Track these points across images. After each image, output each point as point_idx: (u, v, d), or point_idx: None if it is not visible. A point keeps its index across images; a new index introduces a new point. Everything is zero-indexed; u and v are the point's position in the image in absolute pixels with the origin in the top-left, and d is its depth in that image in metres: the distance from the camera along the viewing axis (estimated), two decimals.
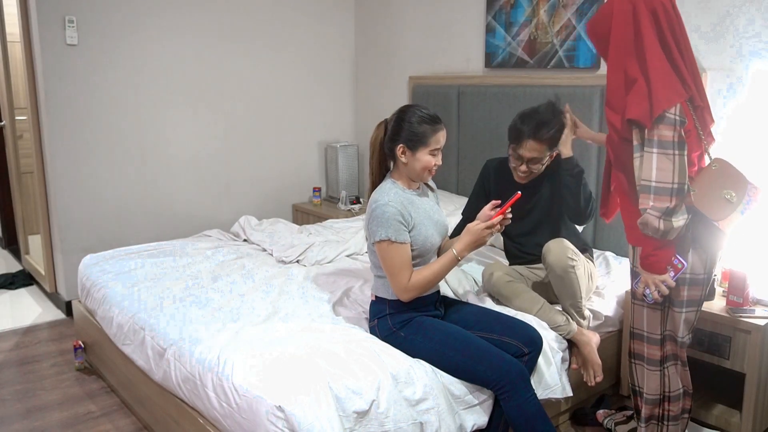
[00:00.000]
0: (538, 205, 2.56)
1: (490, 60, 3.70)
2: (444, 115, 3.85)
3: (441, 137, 2.08)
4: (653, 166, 1.75)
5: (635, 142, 1.81)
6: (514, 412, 1.96)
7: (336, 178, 4.58)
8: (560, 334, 2.37)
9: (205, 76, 4.07)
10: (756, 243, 2.59)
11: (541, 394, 2.22)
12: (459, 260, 2.06)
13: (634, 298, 2.04)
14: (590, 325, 2.53)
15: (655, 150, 1.75)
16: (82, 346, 3.05)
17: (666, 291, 1.88)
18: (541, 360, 2.21)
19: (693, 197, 1.84)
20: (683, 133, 1.76)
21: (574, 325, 2.39)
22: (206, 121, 4.12)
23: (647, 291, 1.90)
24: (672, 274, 1.86)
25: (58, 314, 3.81)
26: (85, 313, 2.99)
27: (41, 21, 3.42)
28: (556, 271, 2.33)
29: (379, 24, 4.51)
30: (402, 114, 2.10)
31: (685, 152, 1.77)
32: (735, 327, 2.35)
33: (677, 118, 1.75)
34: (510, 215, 2.05)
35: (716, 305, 2.46)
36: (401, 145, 2.08)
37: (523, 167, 2.43)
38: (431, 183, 2.36)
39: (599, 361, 2.40)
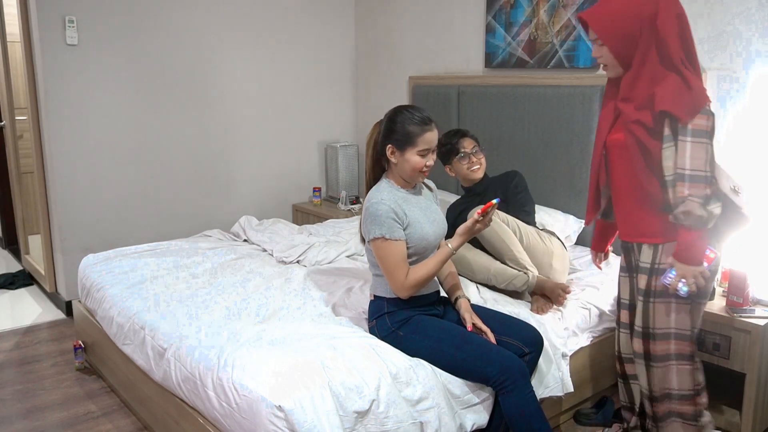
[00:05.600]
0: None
1: (490, 60, 3.70)
2: (444, 115, 3.85)
3: (430, 138, 2.08)
4: (687, 155, 1.78)
5: (666, 132, 1.83)
6: (512, 408, 1.97)
7: (336, 178, 4.59)
8: (521, 289, 2.50)
9: (206, 76, 4.07)
10: (756, 243, 2.59)
11: (542, 393, 2.23)
12: (454, 253, 2.09)
13: (654, 297, 1.97)
14: (591, 319, 2.54)
15: (689, 138, 1.78)
16: (82, 346, 3.05)
17: (703, 283, 1.85)
18: (541, 360, 2.22)
19: (719, 187, 1.87)
20: (714, 124, 1.82)
21: (531, 274, 2.48)
22: (206, 121, 4.12)
23: (681, 284, 1.85)
24: (706, 265, 1.85)
25: (58, 314, 3.81)
26: (85, 313, 2.99)
27: (41, 21, 3.42)
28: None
29: (379, 24, 4.51)
30: (393, 115, 2.13)
31: (713, 143, 1.82)
32: (735, 327, 2.35)
33: (711, 110, 1.81)
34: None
35: (716, 305, 2.46)
36: (390, 145, 2.11)
37: (473, 158, 2.76)
38: (430, 183, 2.37)
39: (561, 282, 2.53)
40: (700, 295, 1.92)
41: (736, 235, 1.96)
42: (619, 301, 2.21)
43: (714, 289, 2.51)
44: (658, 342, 1.98)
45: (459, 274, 2.56)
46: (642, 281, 2.00)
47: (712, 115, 1.81)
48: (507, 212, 2.67)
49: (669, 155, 1.82)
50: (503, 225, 2.57)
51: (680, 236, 1.84)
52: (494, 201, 2.00)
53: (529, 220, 2.75)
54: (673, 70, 1.82)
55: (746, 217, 1.92)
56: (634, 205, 1.98)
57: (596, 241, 2.31)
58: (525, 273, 2.49)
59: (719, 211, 1.81)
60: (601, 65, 2.00)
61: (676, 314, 1.95)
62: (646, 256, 1.98)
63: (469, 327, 2.11)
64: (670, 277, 1.88)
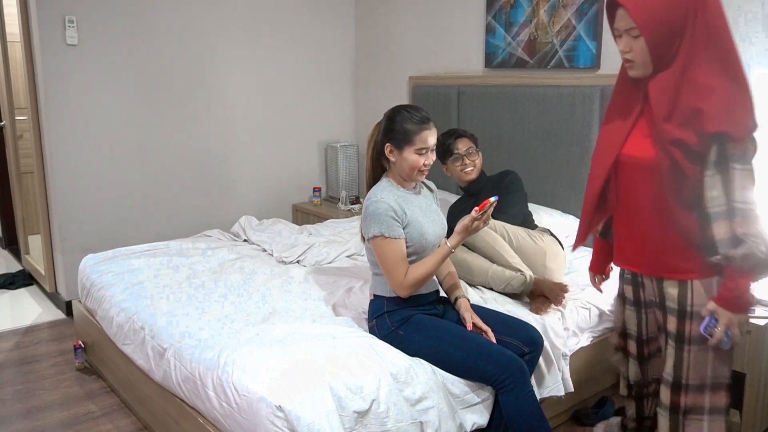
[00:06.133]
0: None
1: (490, 60, 3.70)
2: (444, 115, 3.85)
3: (428, 137, 2.09)
4: (737, 184, 1.52)
5: (713, 157, 1.55)
6: (511, 406, 1.97)
7: (336, 178, 4.59)
8: (520, 290, 2.48)
9: (206, 76, 4.07)
10: None
11: (542, 393, 2.23)
12: (452, 251, 2.09)
13: (690, 343, 1.69)
14: (591, 319, 2.54)
15: (738, 165, 1.52)
16: (82, 346, 3.05)
17: (744, 331, 1.63)
18: (541, 360, 2.22)
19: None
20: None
21: (528, 275, 2.48)
22: (206, 120, 4.12)
23: (726, 335, 1.60)
24: (752, 310, 1.72)
25: (58, 314, 3.81)
26: (85, 313, 2.99)
27: (41, 21, 3.42)
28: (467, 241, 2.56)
29: (379, 24, 4.51)
30: (392, 114, 2.14)
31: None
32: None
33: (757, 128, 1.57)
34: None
35: None
36: (389, 144, 2.12)
37: (466, 161, 2.77)
38: (430, 184, 2.37)
39: (561, 285, 2.49)
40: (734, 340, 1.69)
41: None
42: (624, 331, 1.99)
43: None
44: (691, 394, 1.71)
45: (459, 277, 2.56)
46: (672, 323, 1.72)
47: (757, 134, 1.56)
48: (495, 209, 2.67)
49: (714, 184, 1.55)
50: (490, 231, 2.57)
51: (730, 281, 1.57)
52: (492, 199, 2.00)
53: (516, 221, 2.74)
54: (728, 76, 1.53)
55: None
56: (660, 235, 1.70)
57: (596, 263, 2.04)
58: (522, 274, 2.49)
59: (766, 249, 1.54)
60: (626, 62, 1.67)
61: (714, 363, 1.68)
62: (672, 294, 1.71)
63: (469, 327, 2.11)
64: (712, 327, 1.61)
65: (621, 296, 1.95)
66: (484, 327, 2.12)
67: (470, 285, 2.62)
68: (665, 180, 1.61)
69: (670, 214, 1.65)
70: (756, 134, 1.54)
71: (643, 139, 1.66)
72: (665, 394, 1.75)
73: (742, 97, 1.53)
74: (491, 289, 2.59)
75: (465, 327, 2.11)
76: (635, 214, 1.74)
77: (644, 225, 1.72)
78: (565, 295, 2.47)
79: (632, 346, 1.96)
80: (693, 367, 1.69)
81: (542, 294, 2.49)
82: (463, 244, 2.46)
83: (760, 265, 1.53)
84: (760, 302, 2.43)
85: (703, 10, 1.53)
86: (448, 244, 2.07)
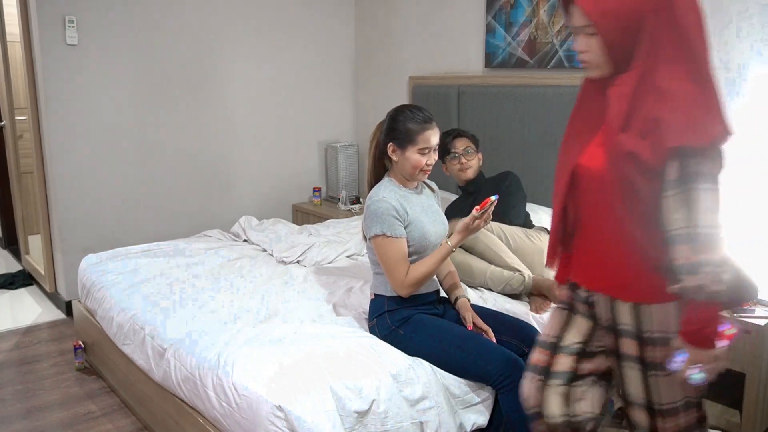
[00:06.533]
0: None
1: (490, 60, 3.70)
2: (444, 115, 3.85)
3: (431, 137, 2.10)
4: (701, 207, 1.33)
5: (672, 177, 1.35)
6: (511, 406, 1.97)
7: (336, 178, 4.58)
8: (519, 290, 2.49)
9: (206, 76, 4.07)
10: (756, 243, 2.60)
11: None
12: (453, 251, 2.08)
13: (656, 369, 1.53)
14: None
15: (702, 185, 1.32)
16: (82, 346, 3.05)
17: (723, 366, 1.44)
18: None
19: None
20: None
21: (527, 274, 2.49)
22: (206, 121, 4.12)
23: (695, 372, 1.42)
24: (725, 343, 1.44)
25: (58, 314, 3.81)
26: (85, 313, 2.99)
27: (41, 21, 3.42)
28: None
29: (379, 24, 4.51)
30: (394, 113, 2.15)
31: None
32: (735, 327, 2.34)
33: (725, 146, 1.37)
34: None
35: None
36: (391, 143, 2.13)
37: (463, 159, 2.80)
38: (432, 184, 2.37)
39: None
40: (657, 366, 1.52)
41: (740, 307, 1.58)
42: (557, 344, 1.69)
43: None
44: (668, 418, 1.57)
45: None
46: (630, 347, 1.55)
47: (723, 151, 1.36)
48: (498, 212, 2.67)
49: (676, 205, 1.35)
50: (487, 233, 2.58)
51: (691, 313, 1.40)
52: (492, 198, 2.01)
53: (519, 222, 2.75)
54: (694, 80, 1.35)
55: (752, 283, 1.51)
56: (616, 253, 1.52)
57: (562, 276, 1.80)
58: (520, 274, 2.50)
59: (730, 280, 1.37)
60: (583, 63, 1.49)
61: (684, 384, 1.51)
62: (625, 316, 1.53)
63: (470, 326, 2.11)
64: (678, 362, 1.44)
65: (569, 308, 1.72)
66: (485, 327, 2.12)
67: (470, 287, 2.62)
68: (615, 196, 1.44)
69: (626, 235, 1.47)
70: (725, 146, 1.34)
71: (598, 149, 1.49)
72: (641, 416, 1.60)
73: (709, 103, 1.34)
74: (491, 289, 2.60)
75: (465, 327, 2.11)
76: (592, 228, 1.58)
77: (600, 241, 1.56)
78: None
79: (566, 363, 1.68)
80: (665, 392, 1.55)
81: (541, 293, 2.49)
82: (461, 246, 2.46)
83: (717, 297, 1.34)
84: (760, 302, 2.43)
85: (669, 4, 1.35)
86: (449, 243, 2.08)
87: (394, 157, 2.13)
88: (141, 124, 3.84)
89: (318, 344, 2.05)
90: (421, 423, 1.93)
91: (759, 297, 2.42)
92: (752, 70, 2.65)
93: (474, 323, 2.12)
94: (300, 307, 2.46)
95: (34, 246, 4.39)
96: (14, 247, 5.05)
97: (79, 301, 3.13)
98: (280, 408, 1.75)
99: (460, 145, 2.79)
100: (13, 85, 4.39)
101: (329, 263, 3.07)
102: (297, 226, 3.68)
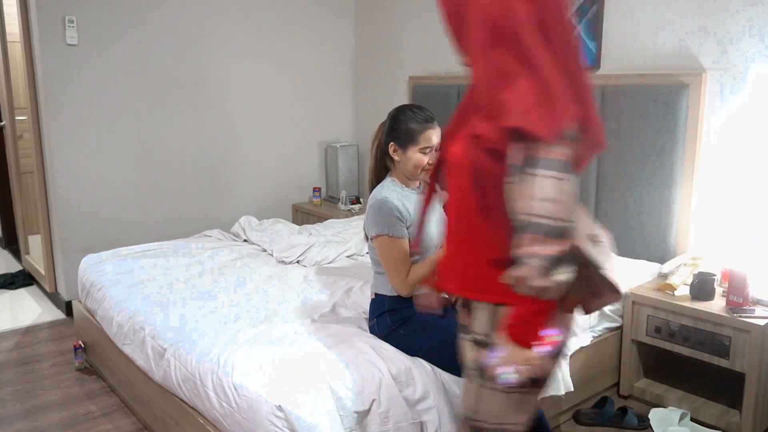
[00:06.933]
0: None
1: None
2: (444, 116, 3.84)
3: (432, 136, 2.10)
4: (538, 195, 1.22)
5: (516, 162, 1.27)
6: None
7: (336, 178, 4.58)
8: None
9: (206, 76, 4.07)
10: (756, 243, 2.60)
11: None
12: None
13: (479, 377, 1.42)
14: (590, 319, 2.54)
15: (544, 172, 1.23)
16: (82, 346, 3.05)
17: (540, 374, 1.33)
18: None
19: (590, 241, 1.34)
20: (571, 153, 1.28)
21: None
22: (206, 121, 4.12)
23: (504, 370, 1.30)
24: (547, 349, 1.30)
25: (58, 314, 3.81)
26: (85, 313, 2.99)
27: (41, 21, 3.42)
28: None
29: (379, 24, 4.51)
30: (396, 113, 2.15)
31: (574, 178, 1.28)
32: (735, 327, 2.35)
33: (573, 132, 1.29)
34: None
35: (716, 305, 2.46)
36: (392, 142, 2.13)
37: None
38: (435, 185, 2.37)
39: None
40: (535, 381, 1.38)
41: (601, 310, 1.45)
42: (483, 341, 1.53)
43: (713, 289, 2.51)
44: None
45: None
46: (470, 351, 1.46)
47: (574, 140, 1.28)
48: None
49: (517, 193, 1.27)
50: None
51: (513, 307, 1.31)
52: None
53: None
54: (527, 68, 1.27)
55: (613, 284, 1.38)
56: (459, 246, 1.44)
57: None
58: None
59: (568, 279, 1.25)
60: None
61: (509, 405, 1.41)
62: (480, 320, 1.42)
63: None
64: (491, 359, 1.34)
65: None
66: None
67: None
68: (463, 182, 1.38)
69: (470, 224, 1.40)
70: (569, 139, 1.26)
71: (458, 137, 1.43)
72: None
73: (556, 90, 1.27)
74: None
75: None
76: (449, 221, 1.49)
77: (453, 235, 1.47)
78: None
79: None
80: (481, 403, 1.42)
81: None
82: None
83: (543, 294, 1.24)
84: (760, 302, 2.43)
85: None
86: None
87: (396, 157, 2.13)
88: (141, 124, 3.84)
89: (318, 344, 2.05)
90: (421, 423, 1.93)
91: (758, 297, 2.42)
92: (752, 69, 2.65)
93: None
94: (300, 307, 2.46)
95: (34, 246, 4.39)
96: (14, 247, 5.05)
97: (79, 301, 3.13)
98: (280, 408, 1.75)
99: None
100: (13, 85, 4.39)
101: (329, 263, 3.07)
102: (297, 226, 3.68)
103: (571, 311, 1.42)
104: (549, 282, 1.23)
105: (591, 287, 1.38)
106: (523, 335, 1.29)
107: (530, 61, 1.28)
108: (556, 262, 1.23)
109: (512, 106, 1.26)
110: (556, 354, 1.36)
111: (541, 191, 1.22)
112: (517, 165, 1.27)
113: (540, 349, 1.30)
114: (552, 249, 1.22)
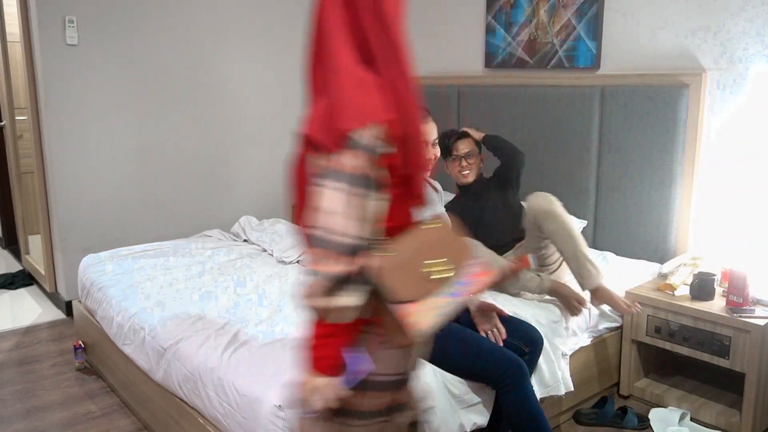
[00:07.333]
0: (487, 203, 2.74)
1: (490, 60, 3.70)
2: (444, 116, 3.85)
3: (427, 131, 2.07)
4: (325, 208, 1.14)
5: (311, 171, 1.22)
6: (512, 406, 1.97)
7: None
8: (535, 291, 2.47)
9: (206, 76, 4.07)
10: (756, 243, 2.60)
11: (542, 393, 2.23)
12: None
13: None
14: (590, 319, 2.55)
15: (331, 184, 1.15)
16: (82, 346, 3.05)
17: (331, 400, 1.23)
18: (541, 360, 2.22)
19: (382, 262, 1.20)
20: (380, 169, 1.20)
21: (545, 276, 2.47)
22: (206, 121, 4.12)
23: (298, 397, 1.23)
24: (347, 379, 1.22)
25: (58, 314, 3.81)
26: (85, 313, 2.99)
27: (41, 21, 3.42)
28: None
29: None
30: None
31: (380, 195, 1.21)
32: (735, 327, 2.35)
33: (371, 144, 1.17)
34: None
35: (716, 305, 2.46)
36: None
37: (464, 163, 2.73)
38: (436, 184, 2.36)
39: (576, 293, 2.44)
40: (348, 413, 1.29)
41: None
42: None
43: (713, 289, 2.50)
44: None
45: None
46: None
47: (374, 153, 1.17)
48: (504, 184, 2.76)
49: (310, 202, 1.20)
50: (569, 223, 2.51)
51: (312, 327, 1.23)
52: (530, 260, 2.03)
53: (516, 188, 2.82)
54: (330, 74, 1.22)
55: (401, 326, 1.22)
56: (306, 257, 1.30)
57: None
58: (537, 275, 2.47)
59: (352, 304, 1.16)
60: None
61: None
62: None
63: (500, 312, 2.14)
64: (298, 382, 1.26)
65: None
66: (504, 314, 2.16)
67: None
68: (293, 188, 1.33)
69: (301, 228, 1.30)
70: (352, 148, 1.15)
71: None
72: None
73: (342, 99, 1.19)
74: (491, 288, 2.59)
75: (465, 327, 2.11)
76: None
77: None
78: (582, 308, 2.43)
79: None
80: None
81: (562, 297, 2.46)
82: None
83: (325, 316, 1.17)
84: (760, 302, 2.43)
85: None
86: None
87: None
88: (141, 123, 3.84)
89: None
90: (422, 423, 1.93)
91: (758, 297, 2.42)
92: (752, 69, 2.65)
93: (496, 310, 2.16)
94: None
95: (34, 246, 4.39)
96: (14, 247, 5.05)
97: (79, 301, 3.13)
98: (280, 408, 1.75)
99: (463, 147, 2.75)
100: (13, 85, 4.39)
101: None
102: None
103: (393, 342, 1.24)
104: (328, 303, 1.13)
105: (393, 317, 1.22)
106: (311, 360, 1.21)
107: (332, 68, 1.21)
108: (340, 282, 1.13)
109: (313, 113, 1.23)
110: (365, 387, 1.24)
111: (329, 204, 1.14)
112: (311, 174, 1.20)
113: (329, 379, 1.19)
114: (335, 267, 1.12)
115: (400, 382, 1.34)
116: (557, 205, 2.49)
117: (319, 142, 1.18)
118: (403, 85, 1.27)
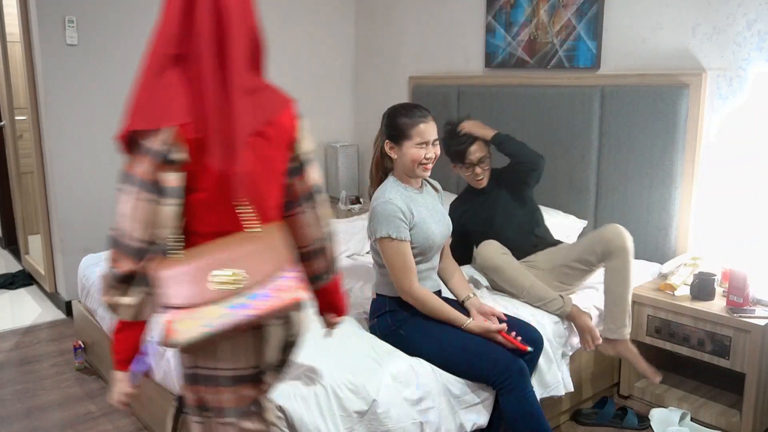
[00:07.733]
0: (498, 204, 2.67)
1: (490, 60, 3.70)
2: (444, 116, 3.84)
3: (425, 130, 2.07)
4: (119, 211, 1.22)
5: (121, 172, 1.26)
6: (511, 406, 1.97)
7: (336, 178, 4.58)
8: (555, 313, 2.39)
9: None
10: (756, 243, 2.60)
11: (542, 393, 2.23)
12: (462, 328, 2.08)
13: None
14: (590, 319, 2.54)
15: (124, 187, 1.22)
16: (82, 346, 3.05)
17: (123, 395, 1.33)
18: (541, 360, 2.22)
19: (162, 266, 1.22)
20: (169, 173, 1.22)
21: (567, 299, 2.41)
22: None
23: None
24: (131, 374, 1.29)
25: (58, 314, 3.81)
26: (85, 313, 2.99)
27: (41, 21, 3.42)
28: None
29: (379, 24, 4.51)
30: (387, 112, 2.16)
31: (174, 201, 1.23)
32: (735, 327, 2.35)
33: (157, 148, 1.20)
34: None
35: (716, 305, 2.46)
36: (388, 140, 2.13)
37: (478, 170, 2.60)
38: (436, 184, 2.37)
39: (594, 329, 2.40)
40: (213, 411, 1.36)
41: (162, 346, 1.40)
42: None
43: (714, 289, 2.50)
44: None
45: (493, 288, 2.56)
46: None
47: (160, 157, 1.20)
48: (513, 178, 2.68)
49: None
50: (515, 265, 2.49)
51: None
52: (529, 350, 2.06)
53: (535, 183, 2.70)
54: (140, 72, 1.31)
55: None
56: None
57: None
58: (560, 297, 2.41)
59: (134, 302, 1.22)
60: None
61: None
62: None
63: (499, 315, 2.14)
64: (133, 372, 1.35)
65: None
66: (502, 316, 2.15)
67: (494, 289, 2.57)
68: None
69: None
70: (139, 153, 1.22)
71: None
72: None
73: (136, 103, 1.28)
74: (492, 288, 2.58)
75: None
76: None
77: None
78: (594, 344, 2.40)
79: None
80: None
81: (576, 323, 2.42)
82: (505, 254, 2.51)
83: (120, 315, 1.24)
84: (760, 302, 2.43)
85: None
86: (469, 321, 2.09)
87: (393, 155, 2.13)
88: None
89: (318, 344, 2.05)
90: (421, 423, 1.93)
91: (758, 297, 2.42)
92: (752, 69, 2.65)
93: (493, 313, 2.15)
94: None
95: (34, 246, 4.39)
96: (14, 247, 5.05)
97: (79, 301, 3.13)
98: (280, 408, 1.75)
99: (476, 153, 2.58)
100: (13, 85, 4.39)
101: None
102: None
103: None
104: (111, 300, 1.21)
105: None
106: (113, 352, 1.30)
107: (141, 65, 1.27)
108: (123, 281, 1.20)
109: (127, 111, 1.27)
110: (197, 381, 1.31)
111: (122, 207, 1.21)
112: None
113: (122, 374, 1.30)
114: (121, 267, 1.20)
115: (249, 378, 1.36)
116: (631, 245, 2.41)
117: (120, 144, 1.23)
118: (216, 84, 1.26)
